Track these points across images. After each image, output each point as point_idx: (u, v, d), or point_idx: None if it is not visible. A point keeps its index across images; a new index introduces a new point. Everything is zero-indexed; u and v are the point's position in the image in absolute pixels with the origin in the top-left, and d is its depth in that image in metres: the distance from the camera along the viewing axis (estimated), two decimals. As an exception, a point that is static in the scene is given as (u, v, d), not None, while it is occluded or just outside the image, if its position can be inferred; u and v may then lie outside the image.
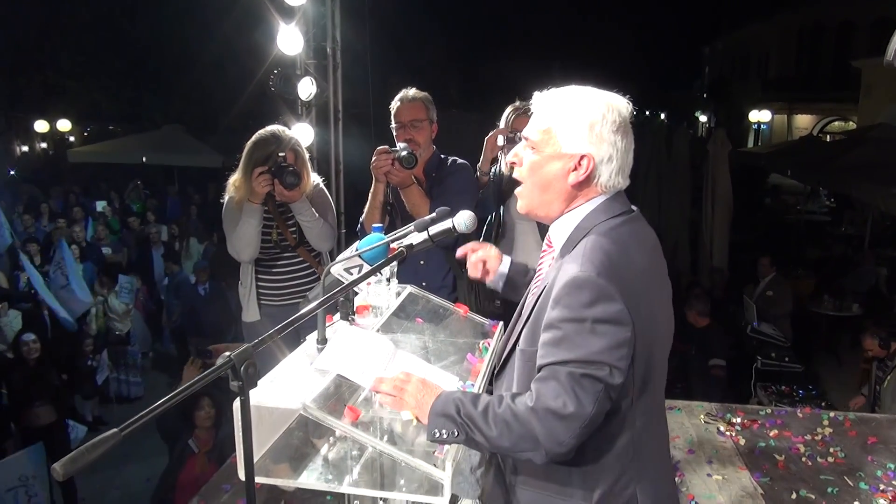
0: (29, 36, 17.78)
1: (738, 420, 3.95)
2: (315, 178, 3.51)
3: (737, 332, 7.59)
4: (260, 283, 3.45)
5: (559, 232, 1.65)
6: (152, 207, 12.33)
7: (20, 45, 17.87)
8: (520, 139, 1.70)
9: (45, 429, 5.58)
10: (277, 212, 3.36)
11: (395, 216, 3.23)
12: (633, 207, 1.67)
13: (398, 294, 2.05)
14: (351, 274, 1.71)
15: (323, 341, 1.63)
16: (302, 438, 1.53)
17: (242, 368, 1.18)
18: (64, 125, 20.91)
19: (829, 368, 8.09)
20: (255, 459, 1.45)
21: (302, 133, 6.05)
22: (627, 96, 1.63)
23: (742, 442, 3.67)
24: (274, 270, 3.44)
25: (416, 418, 1.49)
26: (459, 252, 2.02)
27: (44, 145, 23.86)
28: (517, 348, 1.65)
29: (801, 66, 26.51)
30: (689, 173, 11.19)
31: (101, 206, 11.64)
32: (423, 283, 3.10)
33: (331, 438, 1.63)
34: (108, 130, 24.35)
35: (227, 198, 3.35)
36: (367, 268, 1.67)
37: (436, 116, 3.32)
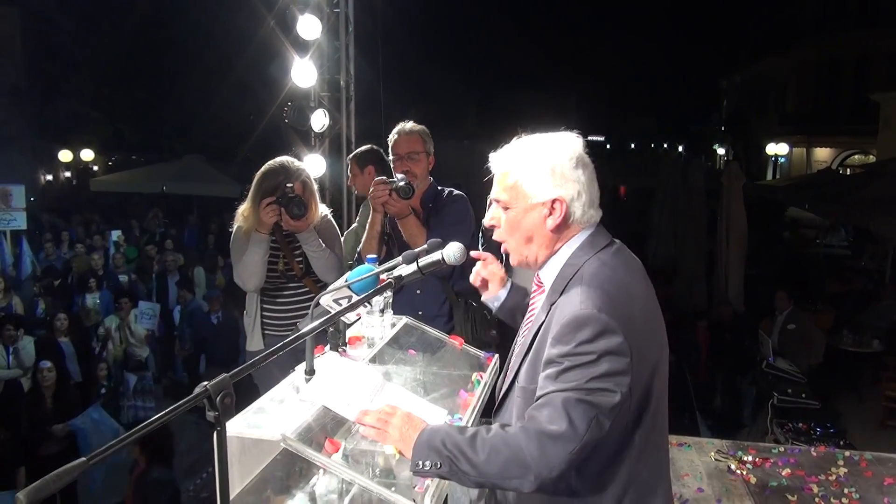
0: (55, 66, 18.30)
1: (750, 458, 3.86)
2: (323, 210, 3.54)
3: (752, 369, 7.47)
4: (265, 313, 3.47)
5: (548, 272, 1.69)
6: (170, 236, 12.47)
7: (47, 75, 18.40)
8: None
9: (59, 455, 5.58)
10: (285, 242, 3.39)
11: (393, 246, 3.26)
12: (615, 239, 1.71)
13: (393, 325, 2.05)
14: (340, 305, 1.71)
15: (311, 372, 1.63)
16: (287, 471, 1.51)
17: (218, 399, 1.17)
18: (87, 155, 21.37)
19: (849, 405, 7.89)
20: (238, 491, 1.44)
21: (314, 164, 6.14)
22: (577, 131, 1.72)
23: (753, 480, 3.59)
24: (279, 300, 3.46)
25: (400, 452, 1.47)
26: (474, 253, 2.04)
27: (67, 174, 24.36)
28: (516, 385, 1.67)
29: (819, 99, 26.42)
30: (704, 206, 11.14)
31: (115, 235, 11.80)
32: (420, 313, 3.10)
33: (320, 471, 1.62)
34: (130, 160, 24.81)
35: (235, 227, 3.40)
36: (356, 299, 1.67)
37: (432, 149, 3.38)
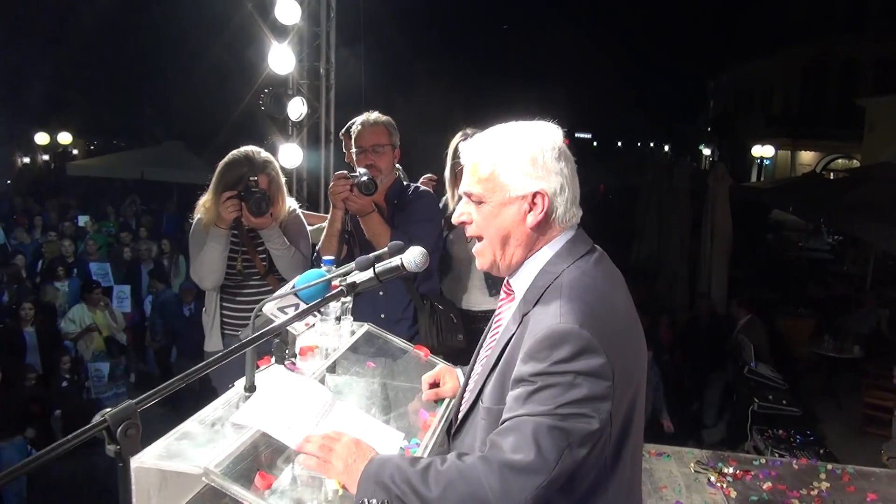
0: (33, 47, 17.86)
1: (731, 470, 3.75)
2: (292, 204, 3.34)
3: (722, 369, 7.41)
4: (224, 311, 3.26)
5: (521, 279, 1.51)
6: (146, 223, 12.16)
7: (24, 56, 17.94)
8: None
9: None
10: (248, 237, 3.19)
11: (354, 245, 3.07)
12: (596, 245, 1.55)
13: (353, 333, 1.87)
14: (285, 313, 1.53)
15: (251, 389, 1.45)
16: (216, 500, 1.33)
17: (120, 430, 0.99)
18: (65, 138, 20.87)
19: (828, 411, 7.84)
20: (157, 528, 1.26)
21: (290, 154, 5.93)
22: (557, 120, 1.52)
23: (733, 494, 3.47)
24: (239, 298, 3.25)
25: (344, 487, 1.30)
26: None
27: (46, 157, 23.83)
28: (480, 405, 1.48)
29: (806, 102, 26.49)
30: (689, 207, 11.07)
31: (83, 220, 11.46)
32: (382, 316, 2.94)
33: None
34: (111, 144, 24.36)
35: (195, 219, 3.18)
36: (303, 307, 1.48)
37: (399, 141, 3.18)
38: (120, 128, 21.73)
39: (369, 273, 1.51)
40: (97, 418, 1.01)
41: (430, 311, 3.02)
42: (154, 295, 8.88)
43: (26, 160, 22.92)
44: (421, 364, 1.92)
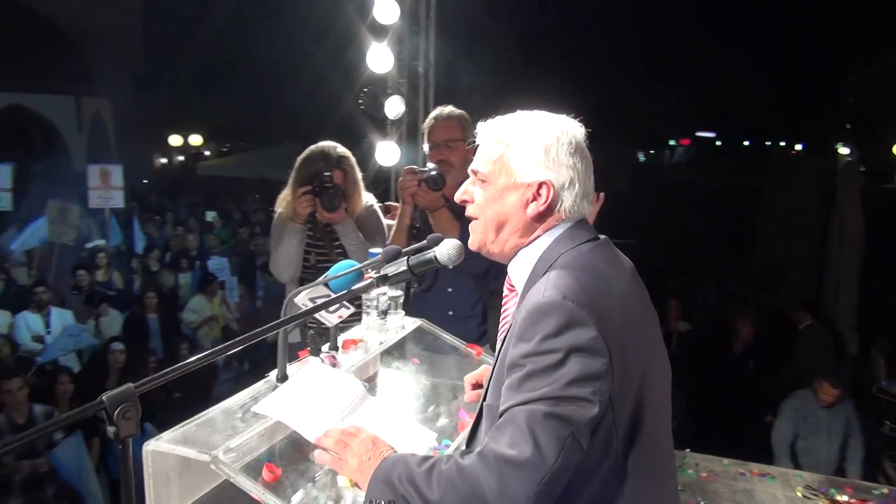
0: (171, 56, 19.37)
1: (845, 498, 3.41)
2: (369, 200, 3.36)
3: (862, 393, 6.72)
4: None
5: (519, 269, 1.44)
6: (262, 220, 12.83)
7: (164, 64, 19.49)
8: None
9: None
10: (324, 232, 3.24)
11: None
12: (601, 235, 1.45)
13: (402, 327, 1.83)
14: (315, 304, 1.51)
15: (282, 379, 1.44)
16: (239, 495, 1.32)
17: (117, 412, 1.00)
18: (196, 140, 22.53)
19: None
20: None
21: (387, 152, 6.00)
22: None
23: (844, 526, 3.14)
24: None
25: (356, 484, 1.25)
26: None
27: (181, 158, 25.80)
28: (484, 404, 1.41)
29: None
30: (818, 210, 10.30)
31: (210, 216, 12.24)
32: (450, 313, 2.88)
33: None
34: (239, 146, 25.96)
35: (276, 213, 3.28)
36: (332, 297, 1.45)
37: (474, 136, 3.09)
38: (246, 131, 23.13)
39: (403, 265, 1.46)
40: (104, 397, 1.02)
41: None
42: (266, 287, 9.33)
43: (163, 161, 24.97)
44: (472, 363, 1.85)
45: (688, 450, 3.89)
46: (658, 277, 9.31)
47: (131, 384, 1.03)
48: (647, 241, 12.14)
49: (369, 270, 1.49)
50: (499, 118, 1.49)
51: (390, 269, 1.46)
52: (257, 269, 9.91)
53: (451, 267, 1.50)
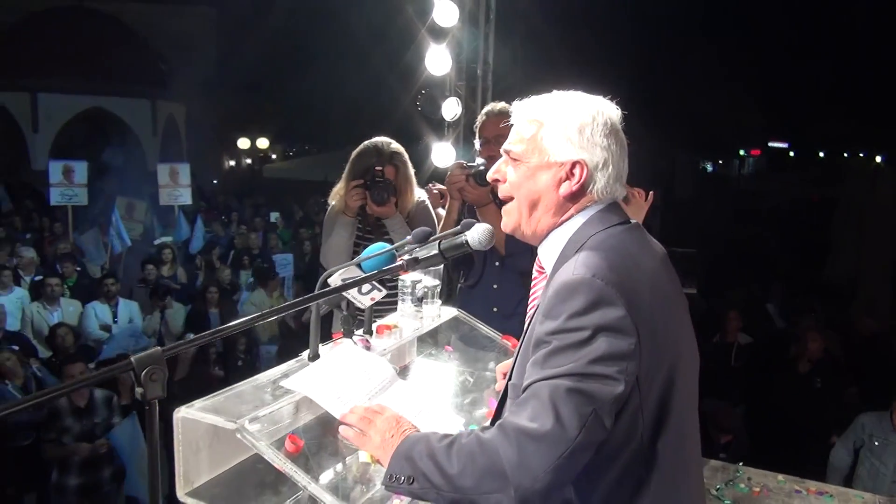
0: (241, 62, 20.07)
1: (908, 521, 3.21)
2: (421, 196, 3.39)
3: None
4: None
5: (549, 250, 1.43)
6: (321, 221, 13.08)
7: (234, 70, 20.22)
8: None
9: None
10: (376, 226, 3.28)
11: None
12: (633, 220, 1.43)
13: (439, 316, 1.84)
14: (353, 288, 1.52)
15: (314, 357, 1.46)
16: (267, 469, 1.35)
17: (144, 373, 1.04)
18: (262, 143, 23.30)
19: None
20: (204, 481, 1.32)
21: (443, 153, 6.05)
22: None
23: (908, 552, 2.96)
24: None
25: (377, 461, 1.26)
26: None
27: (248, 161, 26.68)
28: (509, 383, 1.40)
29: None
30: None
31: (273, 217, 12.57)
32: (495, 309, 2.87)
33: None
34: (304, 149, 26.67)
35: (330, 205, 3.35)
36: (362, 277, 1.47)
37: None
38: (310, 134, 23.75)
39: (434, 249, 1.47)
40: (132, 359, 1.06)
41: None
42: (322, 286, 9.53)
43: (232, 163, 25.88)
44: (507, 355, 1.84)
45: (740, 463, 3.75)
46: (720, 288, 9.04)
47: (159, 348, 1.07)
48: (711, 250, 11.82)
49: (401, 253, 1.50)
50: (534, 97, 1.47)
51: (422, 253, 1.47)
52: (319, 266, 10.13)
53: (481, 250, 1.50)
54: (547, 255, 1.44)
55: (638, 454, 1.26)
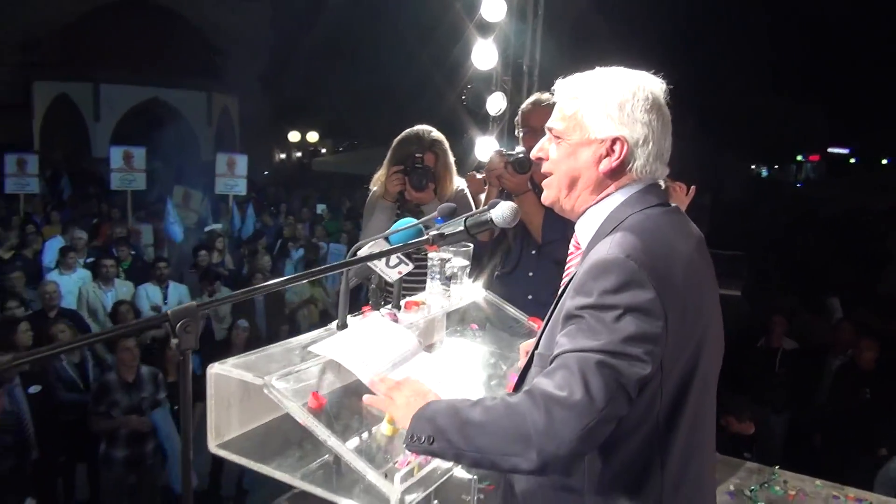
0: (294, 57, 20.48)
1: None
2: (460, 184, 3.44)
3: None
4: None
5: (586, 227, 1.44)
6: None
7: (287, 64, 20.65)
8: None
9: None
10: (415, 212, 3.34)
11: None
12: (673, 203, 1.44)
13: (466, 296, 1.88)
14: (378, 259, 1.58)
15: (342, 326, 1.53)
16: (293, 429, 1.41)
17: (179, 325, 1.11)
18: (312, 137, 23.74)
19: None
20: (235, 435, 1.39)
21: (487, 147, 6.07)
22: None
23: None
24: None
25: (400, 429, 1.31)
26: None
27: (299, 154, 27.23)
28: (535, 352, 1.44)
29: None
30: None
31: (320, 209, 12.80)
32: (530, 297, 2.88)
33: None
34: (353, 144, 27.06)
35: (371, 190, 3.43)
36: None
37: None
38: (359, 128, 24.08)
39: (459, 225, 1.51)
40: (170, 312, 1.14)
41: None
42: (365, 278, 9.67)
43: (282, 156, 26.45)
44: (533, 335, 1.87)
45: (776, 466, 3.69)
46: (769, 293, 8.84)
47: (194, 302, 1.14)
48: (762, 255, 11.55)
49: (427, 228, 1.55)
50: (576, 74, 1.49)
51: (448, 228, 1.51)
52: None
53: (506, 227, 1.53)
54: (584, 231, 1.45)
55: (653, 432, 1.28)
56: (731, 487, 3.42)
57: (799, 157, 41.39)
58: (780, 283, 9.64)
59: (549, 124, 1.48)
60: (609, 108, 1.39)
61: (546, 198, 1.50)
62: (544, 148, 1.50)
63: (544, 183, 1.50)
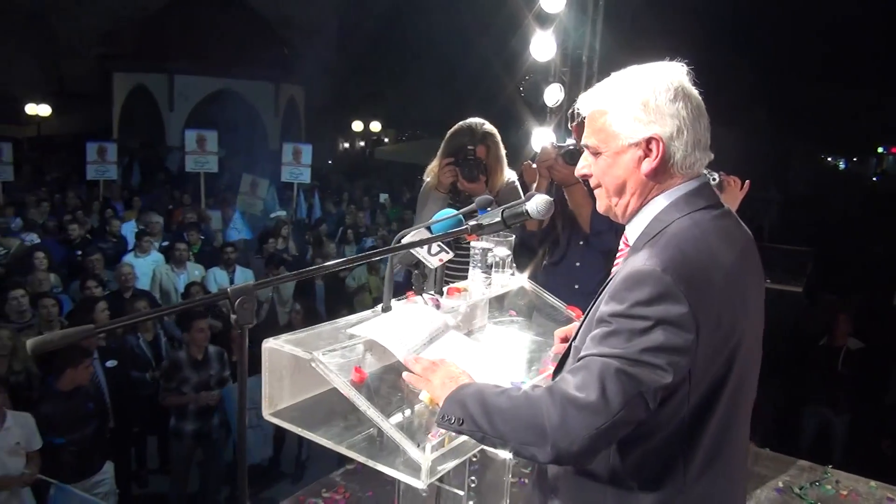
0: (355, 47, 20.85)
1: None
2: (510, 177, 3.50)
3: None
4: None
5: (636, 228, 1.46)
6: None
7: (352, 55, 21.02)
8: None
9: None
10: (466, 203, 3.42)
11: (557, 216, 3.08)
12: (724, 204, 1.43)
13: (507, 284, 1.97)
14: (419, 246, 1.68)
15: (387, 309, 1.64)
16: (339, 402, 1.53)
17: (238, 302, 1.24)
18: (375, 126, 24.11)
19: None
20: (286, 405, 1.52)
21: (543, 138, 6.09)
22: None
23: None
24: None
25: (433, 402, 1.42)
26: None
27: (362, 144, 27.68)
28: (573, 343, 1.50)
29: None
30: None
31: (383, 198, 13.03)
32: (576, 287, 2.94)
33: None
34: (416, 134, 27.32)
35: (425, 181, 3.53)
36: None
37: None
38: (420, 119, 24.29)
39: (497, 216, 1.59)
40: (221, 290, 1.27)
41: None
42: (417, 264, 9.86)
43: (346, 145, 26.94)
44: (570, 322, 1.94)
45: (829, 465, 3.63)
46: (834, 290, 8.54)
47: (251, 282, 1.27)
48: (832, 251, 11.12)
49: (468, 218, 1.64)
50: (595, 86, 1.50)
51: (486, 219, 1.60)
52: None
53: (540, 219, 1.59)
54: (633, 232, 1.48)
55: (676, 435, 1.33)
56: (780, 484, 3.40)
57: (880, 150, 39.35)
58: (849, 281, 9.28)
59: (583, 141, 1.50)
60: (634, 110, 1.39)
61: (599, 206, 1.53)
62: (586, 164, 1.51)
63: (595, 193, 1.53)
